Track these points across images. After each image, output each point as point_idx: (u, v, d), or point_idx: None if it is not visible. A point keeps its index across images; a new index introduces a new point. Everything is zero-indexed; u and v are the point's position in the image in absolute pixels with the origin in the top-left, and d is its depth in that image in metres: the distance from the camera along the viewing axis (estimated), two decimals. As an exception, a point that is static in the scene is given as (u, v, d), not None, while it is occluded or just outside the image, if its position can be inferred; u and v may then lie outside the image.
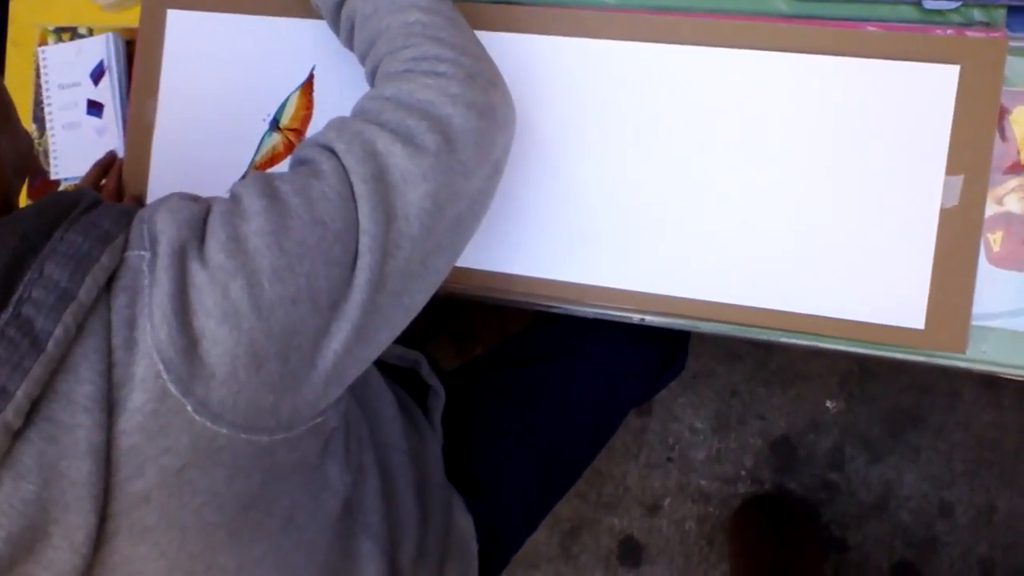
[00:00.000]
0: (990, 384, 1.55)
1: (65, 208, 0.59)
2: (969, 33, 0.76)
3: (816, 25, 0.79)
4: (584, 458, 1.08)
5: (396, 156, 0.62)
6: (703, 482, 1.66)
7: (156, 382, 0.53)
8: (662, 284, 0.83)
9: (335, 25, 0.78)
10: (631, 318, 0.84)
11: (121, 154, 1.00)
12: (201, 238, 0.57)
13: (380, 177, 0.61)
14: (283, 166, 0.92)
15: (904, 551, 1.58)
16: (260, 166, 0.93)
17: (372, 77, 0.74)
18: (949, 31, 0.77)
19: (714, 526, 1.66)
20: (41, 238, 0.55)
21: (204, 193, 0.93)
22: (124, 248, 0.57)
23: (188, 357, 0.53)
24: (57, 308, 0.52)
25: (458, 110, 0.65)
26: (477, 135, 0.65)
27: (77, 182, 0.99)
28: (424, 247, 0.63)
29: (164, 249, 0.56)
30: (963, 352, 0.77)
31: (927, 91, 0.77)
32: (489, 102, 0.67)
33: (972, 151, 0.76)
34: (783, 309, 0.80)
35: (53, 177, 1.05)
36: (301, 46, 0.92)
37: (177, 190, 0.94)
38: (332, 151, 0.64)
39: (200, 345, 0.54)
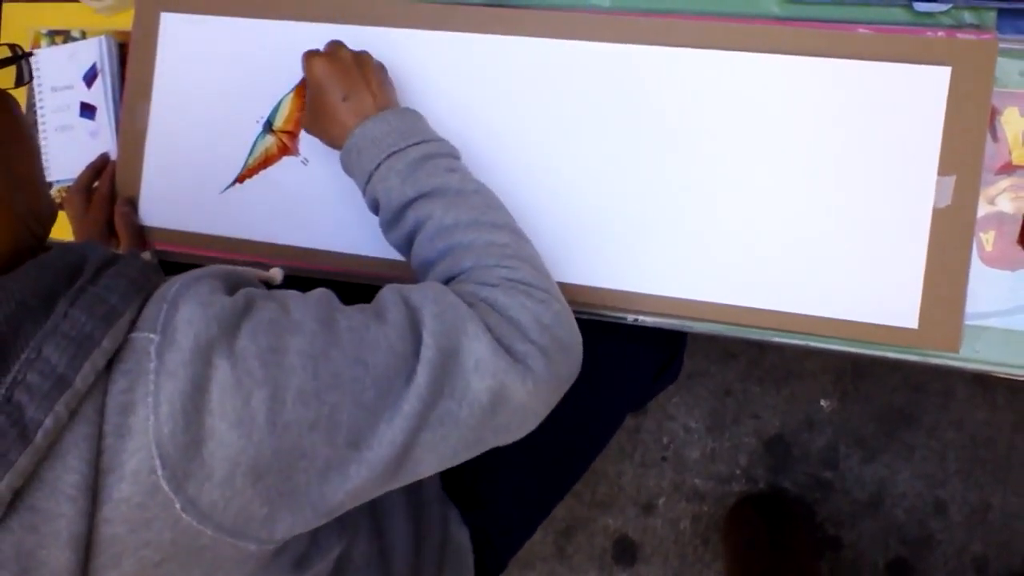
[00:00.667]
0: (983, 383, 1.55)
1: (70, 272, 0.56)
2: (960, 35, 0.76)
3: (808, 27, 0.80)
4: (580, 463, 1.08)
5: (480, 344, 0.61)
6: (697, 481, 1.66)
7: (149, 477, 0.51)
8: (655, 284, 0.83)
9: (393, 221, 0.76)
10: (625, 318, 0.85)
11: (114, 157, 0.99)
12: (234, 334, 0.56)
13: (454, 354, 0.61)
14: (276, 168, 0.93)
15: (898, 549, 1.59)
16: (253, 168, 0.93)
17: (437, 271, 0.73)
18: (940, 33, 0.77)
19: (708, 525, 1.66)
20: (41, 305, 0.53)
21: (197, 197, 0.94)
22: (130, 327, 0.54)
23: (188, 455, 0.52)
24: (51, 396, 0.50)
25: (545, 339, 0.65)
26: (555, 366, 0.65)
27: (70, 184, 0.99)
28: (463, 435, 0.62)
29: (187, 343, 0.54)
30: (957, 351, 0.77)
31: (919, 92, 0.77)
32: (572, 341, 0.68)
33: (964, 152, 0.76)
34: (777, 309, 0.80)
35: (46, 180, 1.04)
36: (294, 48, 0.91)
37: (171, 192, 0.95)
38: (415, 309, 0.63)
39: (205, 445, 0.53)
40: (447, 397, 0.60)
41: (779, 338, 0.81)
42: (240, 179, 0.94)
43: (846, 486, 1.60)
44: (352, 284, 0.91)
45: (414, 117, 0.79)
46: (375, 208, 0.78)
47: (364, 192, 0.78)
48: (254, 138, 0.94)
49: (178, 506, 0.52)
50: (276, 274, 0.76)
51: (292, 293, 0.63)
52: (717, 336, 0.83)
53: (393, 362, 0.59)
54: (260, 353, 0.55)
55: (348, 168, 0.79)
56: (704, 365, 1.66)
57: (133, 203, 0.96)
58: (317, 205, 0.92)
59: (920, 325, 0.78)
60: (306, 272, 0.92)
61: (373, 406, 0.58)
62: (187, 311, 0.55)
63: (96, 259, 0.58)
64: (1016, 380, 0.79)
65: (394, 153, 0.75)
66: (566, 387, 0.68)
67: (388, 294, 0.65)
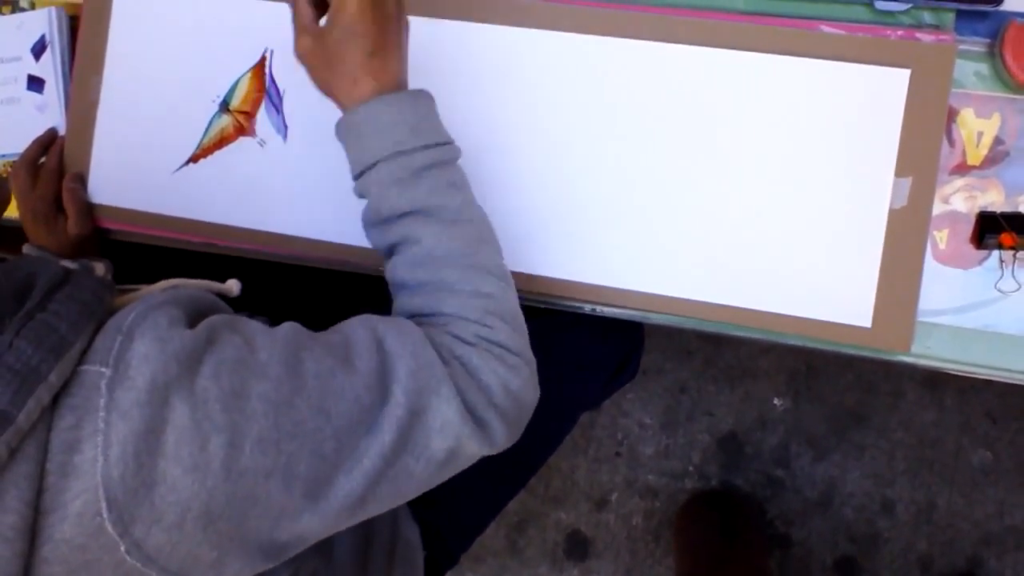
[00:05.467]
0: (932, 384, 1.58)
1: (17, 293, 0.54)
2: (919, 35, 0.77)
3: (772, 24, 0.80)
4: (535, 461, 1.08)
5: (451, 407, 0.60)
6: (651, 477, 1.67)
7: (93, 520, 0.49)
8: (615, 277, 0.83)
9: (378, 224, 0.70)
10: (582, 308, 0.84)
11: (63, 131, 0.97)
12: (194, 372, 0.53)
13: (421, 414, 0.60)
14: (231, 148, 0.91)
15: (846, 547, 1.61)
16: (208, 148, 0.91)
17: (415, 302, 0.69)
18: (900, 32, 0.77)
19: (661, 521, 1.66)
20: None
21: (149, 175, 0.92)
22: (80, 359, 0.52)
23: (137, 498, 0.50)
24: None
25: (508, 403, 0.64)
26: (511, 428, 0.66)
27: (15, 159, 0.96)
28: (415, 484, 0.62)
29: (143, 382, 0.51)
30: (907, 351, 0.78)
31: (878, 94, 0.78)
32: (531, 400, 0.68)
33: (921, 154, 0.77)
34: (734, 305, 0.80)
35: (-10, 154, 1.02)
36: (253, 27, 0.90)
37: (122, 170, 0.93)
38: (389, 356, 0.61)
39: (156, 489, 0.51)
40: (407, 453, 0.60)
41: (735, 332, 0.81)
42: (194, 159, 0.92)
43: (797, 484, 1.62)
44: (310, 269, 0.90)
45: (427, 106, 0.70)
46: (360, 196, 0.71)
47: (354, 177, 0.70)
48: (209, 117, 0.92)
49: (123, 548, 0.50)
50: (232, 287, 0.73)
51: (259, 327, 0.61)
52: (674, 331, 0.83)
53: (356, 413, 0.58)
54: (222, 396, 0.53)
55: (341, 138, 0.71)
56: (660, 362, 1.66)
57: (82, 179, 0.94)
58: (273, 188, 0.90)
59: (873, 324, 0.78)
60: (260, 255, 0.91)
61: (333, 458, 0.57)
62: (143, 346, 0.53)
63: (46, 280, 0.55)
64: (964, 380, 0.80)
65: (399, 154, 0.67)
66: (512, 443, 0.68)
67: (362, 333, 0.63)
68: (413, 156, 0.67)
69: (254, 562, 0.57)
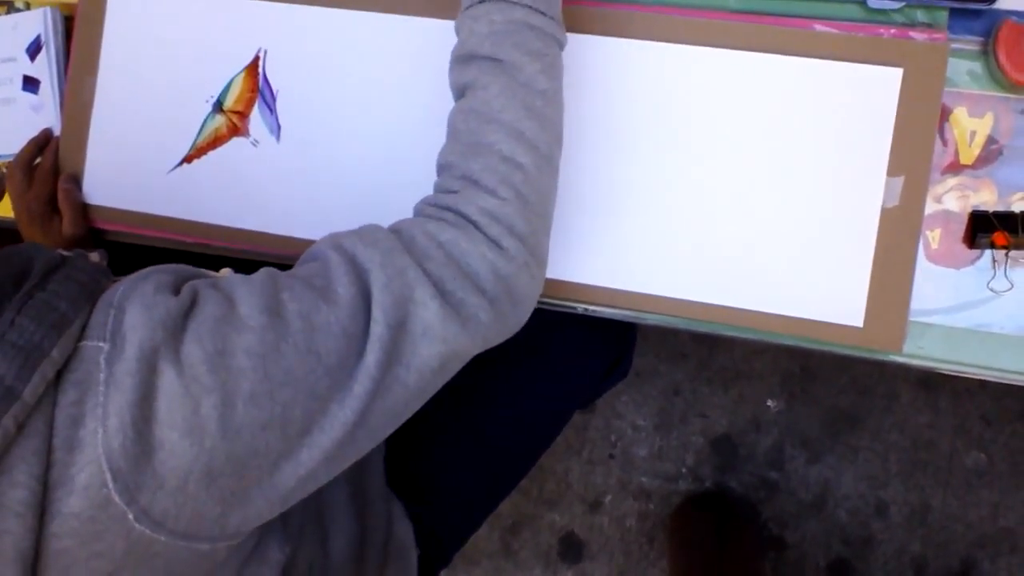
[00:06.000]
0: (926, 386, 1.58)
1: (16, 276, 0.54)
2: (912, 34, 0.77)
3: (763, 23, 0.80)
4: (527, 459, 1.08)
5: (429, 310, 0.59)
6: (644, 479, 1.67)
7: (100, 491, 0.50)
8: (605, 277, 0.83)
9: (459, 60, 0.70)
10: (575, 308, 0.84)
11: (57, 132, 0.97)
12: (178, 338, 0.54)
13: (402, 324, 0.59)
14: (225, 149, 0.91)
15: (840, 549, 1.61)
16: (202, 148, 0.91)
17: (454, 150, 0.68)
18: (893, 31, 0.78)
19: (655, 523, 1.66)
20: None
21: (144, 176, 0.92)
22: (80, 335, 0.53)
23: (139, 467, 0.51)
24: None
25: (497, 289, 0.62)
26: (502, 318, 0.64)
27: (10, 160, 0.96)
28: (414, 396, 0.61)
29: (132, 351, 0.52)
30: (899, 351, 0.78)
31: (871, 93, 0.78)
32: (525, 293, 0.65)
33: (913, 153, 0.77)
34: (726, 304, 0.80)
35: (-15, 154, 1.01)
36: (247, 27, 0.91)
37: (116, 170, 0.93)
38: (363, 276, 0.60)
39: (155, 455, 0.51)
40: (395, 364, 0.59)
41: (727, 332, 0.81)
42: (188, 159, 0.92)
43: (791, 486, 1.62)
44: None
45: None
46: (457, 33, 0.71)
47: (462, 9, 0.71)
48: (203, 118, 0.92)
49: (131, 517, 0.51)
50: (226, 276, 0.73)
51: (238, 279, 0.61)
52: (668, 333, 0.83)
53: (345, 345, 0.58)
54: (207, 358, 0.53)
55: None
56: (654, 364, 1.66)
57: (77, 180, 0.94)
58: (266, 188, 0.90)
59: (865, 324, 0.78)
60: (253, 255, 0.91)
61: (326, 393, 0.57)
62: (132, 316, 0.54)
63: (43, 262, 0.56)
64: (959, 382, 0.80)
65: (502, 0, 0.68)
66: (511, 334, 0.67)
67: (333, 255, 0.62)
68: (513, 7, 0.67)
69: (259, 510, 0.57)
